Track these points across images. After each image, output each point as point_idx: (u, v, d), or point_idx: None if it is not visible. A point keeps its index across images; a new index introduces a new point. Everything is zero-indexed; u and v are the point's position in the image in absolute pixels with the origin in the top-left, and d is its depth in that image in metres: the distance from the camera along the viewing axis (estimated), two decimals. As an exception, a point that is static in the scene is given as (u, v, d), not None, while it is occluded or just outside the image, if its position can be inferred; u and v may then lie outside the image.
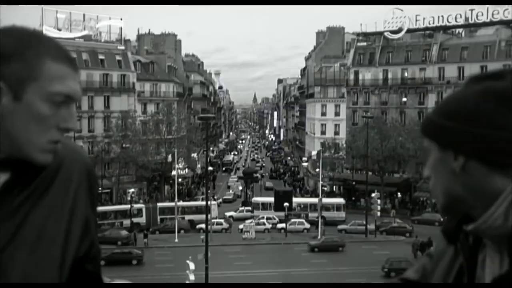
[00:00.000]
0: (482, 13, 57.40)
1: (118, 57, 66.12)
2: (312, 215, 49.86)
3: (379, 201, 45.63)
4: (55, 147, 1.03)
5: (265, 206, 54.71)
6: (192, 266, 27.07)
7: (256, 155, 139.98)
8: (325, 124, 76.91)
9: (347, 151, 62.27)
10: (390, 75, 67.81)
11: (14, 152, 1.01)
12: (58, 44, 1.04)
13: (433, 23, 62.51)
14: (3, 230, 1.00)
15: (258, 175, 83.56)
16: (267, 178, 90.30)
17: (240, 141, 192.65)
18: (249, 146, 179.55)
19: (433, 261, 1.15)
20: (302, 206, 54.19)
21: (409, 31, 64.70)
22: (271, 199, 57.08)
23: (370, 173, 54.90)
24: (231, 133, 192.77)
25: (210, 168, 60.45)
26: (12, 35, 1.00)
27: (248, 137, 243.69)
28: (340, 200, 55.11)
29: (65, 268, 1.08)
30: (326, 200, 55.37)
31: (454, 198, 1.02)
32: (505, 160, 0.93)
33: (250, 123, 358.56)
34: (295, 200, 55.10)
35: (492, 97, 0.96)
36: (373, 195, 45.38)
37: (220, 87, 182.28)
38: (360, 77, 71.10)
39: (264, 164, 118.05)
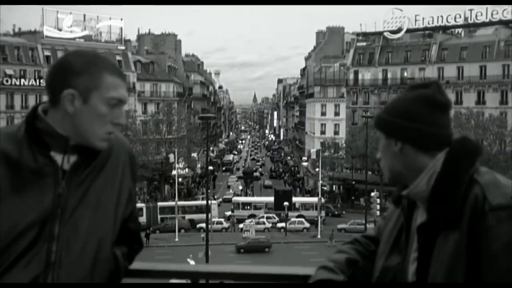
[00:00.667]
0: (481, 13, 58.20)
1: (118, 57, 66.47)
2: (292, 214, 50.24)
3: (378, 200, 46.26)
4: (110, 137, 1.45)
5: (245, 206, 54.29)
6: (192, 264, 27.15)
7: (256, 155, 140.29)
8: (324, 124, 77.45)
9: (346, 151, 62.64)
10: (389, 75, 68.31)
11: (81, 140, 1.44)
12: (112, 62, 1.48)
13: (433, 23, 63.24)
14: (74, 196, 1.43)
15: (257, 173, 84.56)
16: (267, 177, 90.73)
17: (240, 141, 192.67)
18: (249, 146, 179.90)
19: (385, 221, 1.57)
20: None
21: (408, 31, 65.40)
22: (253, 199, 57.33)
23: (369, 172, 55.13)
24: (231, 133, 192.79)
25: (210, 167, 60.70)
26: (80, 56, 1.43)
27: (248, 137, 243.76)
28: (314, 200, 55.70)
29: (116, 225, 1.51)
30: (305, 199, 57.06)
31: (396, 172, 1.45)
32: (429, 145, 1.39)
33: (250, 123, 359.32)
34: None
35: (421, 101, 1.42)
36: (372, 194, 46.13)
37: (220, 87, 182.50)
38: (360, 77, 71.56)
39: (264, 163, 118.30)
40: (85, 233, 1.49)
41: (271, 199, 53.39)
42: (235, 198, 58.70)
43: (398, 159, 1.48)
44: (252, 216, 50.91)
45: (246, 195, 66.79)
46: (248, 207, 53.80)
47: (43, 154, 1.48)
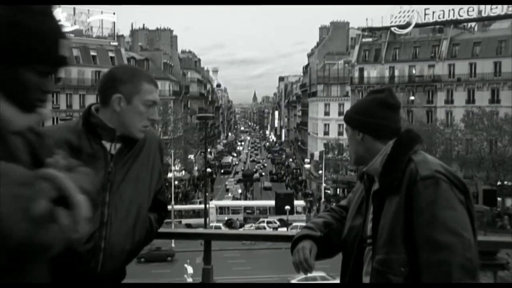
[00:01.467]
0: (496, 6, 56.44)
1: (111, 54, 65.59)
2: (272, 218, 49.79)
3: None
4: (145, 129, 2.02)
5: (222, 211, 52.68)
6: (190, 270, 27.09)
7: (256, 156, 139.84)
8: (328, 124, 76.48)
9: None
10: (397, 73, 67.13)
11: (124, 132, 2.04)
12: (148, 73, 2.06)
13: (443, 17, 61.63)
14: (119, 174, 2.03)
15: (257, 174, 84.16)
16: (268, 179, 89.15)
17: (239, 143, 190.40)
18: (249, 147, 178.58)
19: (353, 194, 2.16)
20: (261, 209, 53.76)
21: (417, 25, 63.95)
22: (230, 202, 55.53)
23: None
24: (229, 134, 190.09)
25: (208, 169, 59.90)
26: (125, 69, 2.06)
27: (248, 138, 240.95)
28: (301, 203, 54.86)
29: (150, 196, 2.11)
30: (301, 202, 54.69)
31: (360, 156, 2.06)
32: (382, 135, 1.97)
33: (249, 123, 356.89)
34: (254, 203, 52.98)
35: (377, 103, 2.00)
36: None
37: (218, 85, 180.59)
38: (365, 74, 70.52)
39: (265, 164, 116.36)
40: (128, 201, 2.08)
41: (265, 203, 52.64)
42: (213, 202, 54.49)
43: (361, 145, 2.08)
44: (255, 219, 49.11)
45: (245, 198, 65.07)
46: (227, 211, 51.21)
47: (96, 142, 2.08)
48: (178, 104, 75.44)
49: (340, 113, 74.04)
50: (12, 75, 1.33)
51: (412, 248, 1.84)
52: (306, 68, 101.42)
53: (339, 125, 73.36)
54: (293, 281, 29.96)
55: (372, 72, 69.52)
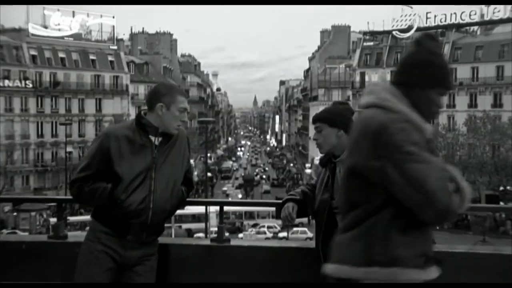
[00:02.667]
0: (499, 9, 57.50)
1: (110, 58, 66.29)
2: (273, 223, 50.69)
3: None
4: (179, 128, 3.12)
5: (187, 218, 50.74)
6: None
7: (257, 160, 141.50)
8: None
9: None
10: None
11: (164, 129, 3.14)
12: (180, 89, 3.22)
13: (445, 20, 62.78)
14: (161, 158, 3.14)
15: (258, 177, 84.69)
16: (268, 184, 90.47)
17: (239, 148, 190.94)
18: (249, 152, 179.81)
19: (317, 177, 3.22)
20: (237, 214, 54.20)
21: (419, 29, 63.89)
22: (231, 207, 56.44)
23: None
24: (229, 139, 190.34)
25: (208, 174, 60.06)
26: (165, 86, 3.24)
27: (248, 143, 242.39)
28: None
29: (182, 173, 3.27)
30: (261, 208, 54.06)
31: (333, 148, 3.14)
32: (350, 132, 2.49)
33: (250, 128, 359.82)
34: (255, 208, 53.05)
35: (346, 109, 3.21)
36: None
37: (218, 89, 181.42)
38: (367, 78, 71.09)
39: (266, 168, 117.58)
40: (167, 176, 3.25)
41: (266, 208, 51.84)
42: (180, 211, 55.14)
43: (337, 140, 3.18)
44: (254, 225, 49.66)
45: (246, 203, 65.48)
46: (197, 219, 50.16)
47: (145, 136, 3.22)
48: None
49: None
50: (424, 96, 2.24)
51: None
52: (307, 72, 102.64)
53: None
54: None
55: (374, 76, 69.88)
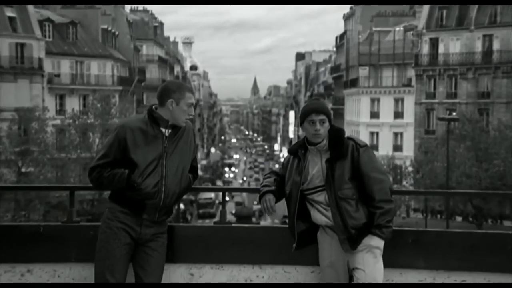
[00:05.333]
0: None
1: (9, 13, 57.68)
2: None
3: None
4: (186, 121, 5.31)
5: None
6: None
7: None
8: (377, 133, 68.06)
9: (416, 180, 53.65)
10: (497, 45, 58.73)
11: (174, 122, 5.18)
12: (188, 86, 5.46)
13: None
14: (171, 147, 5.11)
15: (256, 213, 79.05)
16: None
17: (228, 168, 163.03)
18: (245, 171, 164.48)
19: (284, 165, 5.34)
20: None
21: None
22: None
23: (458, 218, 50.58)
24: (212, 150, 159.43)
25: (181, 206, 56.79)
26: (174, 83, 5.27)
27: (244, 157, 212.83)
28: None
29: (189, 162, 5.25)
30: None
31: (324, 138, 5.47)
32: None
33: (246, 132, 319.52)
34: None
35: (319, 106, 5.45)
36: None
37: (194, 68, 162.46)
38: (441, 49, 62.35)
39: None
40: (176, 164, 5.06)
41: None
42: None
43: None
44: None
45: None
46: None
47: (157, 128, 5.05)
48: (127, 98, 68.90)
49: (397, 114, 67.63)
50: None
51: (356, 185, 4.87)
52: (341, 39, 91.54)
53: (396, 134, 67.17)
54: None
55: (453, 45, 60.63)
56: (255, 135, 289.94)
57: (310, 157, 5.17)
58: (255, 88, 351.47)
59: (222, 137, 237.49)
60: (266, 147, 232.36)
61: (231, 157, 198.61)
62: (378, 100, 69.03)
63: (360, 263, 4.96)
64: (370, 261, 4.95)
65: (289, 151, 5.39)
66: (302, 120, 5.20)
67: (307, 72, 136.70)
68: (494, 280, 5.56)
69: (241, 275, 5.65)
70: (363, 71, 71.52)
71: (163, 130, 5.03)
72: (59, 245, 5.72)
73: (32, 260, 5.76)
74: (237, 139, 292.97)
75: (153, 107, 5.17)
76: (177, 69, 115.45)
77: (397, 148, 66.20)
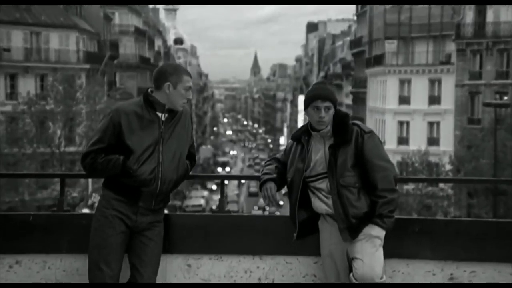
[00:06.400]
0: None
1: None
2: None
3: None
4: (184, 105, 6.35)
5: None
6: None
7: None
8: (407, 123, 68.51)
9: (456, 181, 55.00)
10: None
11: (170, 106, 6.24)
12: (185, 68, 6.61)
13: None
14: (167, 133, 6.17)
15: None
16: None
17: (221, 168, 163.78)
18: (242, 173, 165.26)
19: (286, 151, 6.44)
20: None
21: None
22: None
23: None
24: (202, 146, 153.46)
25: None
26: (172, 65, 6.46)
27: (242, 154, 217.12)
28: None
29: (187, 147, 6.41)
30: None
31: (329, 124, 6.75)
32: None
33: (244, 122, 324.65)
34: None
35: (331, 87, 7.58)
36: None
37: (179, 41, 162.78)
38: (489, 17, 62.62)
39: (281, 202, 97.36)
40: (173, 149, 6.08)
41: None
42: None
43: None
44: None
45: None
46: None
47: (153, 112, 6.05)
48: (96, 79, 68.77)
49: (433, 100, 67.56)
50: None
51: (359, 172, 5.77)
52: (362, 5, 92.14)
53: (431, 123, 67.31)
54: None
55: (506, 12, 60.60)
56: (256, 125, 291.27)
57: (314, 143, 6.12)
58: (255, 67, 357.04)
59: (215, 129, 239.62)
60: (269, 140, 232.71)
61: (225, 154, 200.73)
62: (409, 81, 69.02)
63: (358, 252, 5.79)
64: (369, 251, 5.76)
65: (292, 137, 6.35)
66: (306, 105, 6.02)
67: (321, 47, 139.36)
68: (505, 271, 6.37)
69: (240, 266, 6.57)
70: (390, 46, 71.47)
71: (160, 114, 6.01)
72: (49, 235, 6.68)
73: (21, 251, 6.70)
74: (233, 131, 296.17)
75: (149, 90, 6.17)
76: (158, 43, 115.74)
77: (433, 141, 65.80)
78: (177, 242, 6.50)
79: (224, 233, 6.57)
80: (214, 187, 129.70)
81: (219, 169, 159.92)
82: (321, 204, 6.01)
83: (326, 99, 5.90)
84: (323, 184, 5.96)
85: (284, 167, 6.32)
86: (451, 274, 6.33)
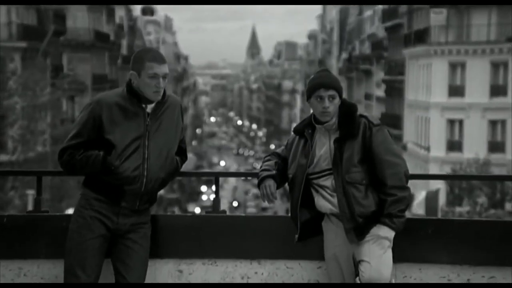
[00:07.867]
0: None
1: None
2: None
3: None
4: (156, 94, 7.65)
5: None
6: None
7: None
8: (459, 121, 69.08)
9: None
10: None
11: (147, 97, 8.62)
12: (154, 51, 8.17)
13: None
14: (153, 126, 7.74)
15: None
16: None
17: (205, 186, 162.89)
18: (235, 193, 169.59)
19: (288, 146, 7.92)
20: None
21: None
22: None
23: None
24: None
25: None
26: (139, 51, 8.22)
27: (235, 165, 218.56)
28: None
29: (176, 143, 8.13)
30: None
31: (334, 116, 8.33)
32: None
33: (238, 121, 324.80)
34: None
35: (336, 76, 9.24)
36: None
37: (149, 11, 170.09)
38: None
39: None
40: (160, 144, 7.60)
41: None
42: None
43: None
44: None
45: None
46: None
47: (137, 104, 7.59)
48: (35, 62, 69.09)
49: (496, 90, 67.66)
50: None
51: (366, 168, 7.11)
52: None
53: (492, 122, 67.72)
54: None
55: None
56: (254, 126, 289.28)
57: (318, 137, 7.28)
58: (253, 47, 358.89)
59: (198, 131, 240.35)
60: (272, 147, 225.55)
61: (212, 165, 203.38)
62: (463, 65, 69.27)
63: (366, 254, 6.77)
64: (377, 253, 6.74)
65: (294, 131, 7.55)
66: (308, 95, 7.12)
67: (343, 19, 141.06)
68: None
69: (237, 272, 7.70)
70: (437, 17, 71.07)
71: (145, 106, 7.34)
72: (25, 238, 7.84)
73: None
74: (224, 134, 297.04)
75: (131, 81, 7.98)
76: (120, 13, 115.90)
77: (495, 146, 66.43)
78: (167, 246, 7.55)
79: (218, 236, 7.66)
80: (204, 197, 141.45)
81: (204, 188, 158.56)
82: (325, 202, 7.08)
83: (329, 87, 7.01)
84: (328, 181, 7.05)
85: (285, 163, 7.50)
86: (468, 279, 7.26)
